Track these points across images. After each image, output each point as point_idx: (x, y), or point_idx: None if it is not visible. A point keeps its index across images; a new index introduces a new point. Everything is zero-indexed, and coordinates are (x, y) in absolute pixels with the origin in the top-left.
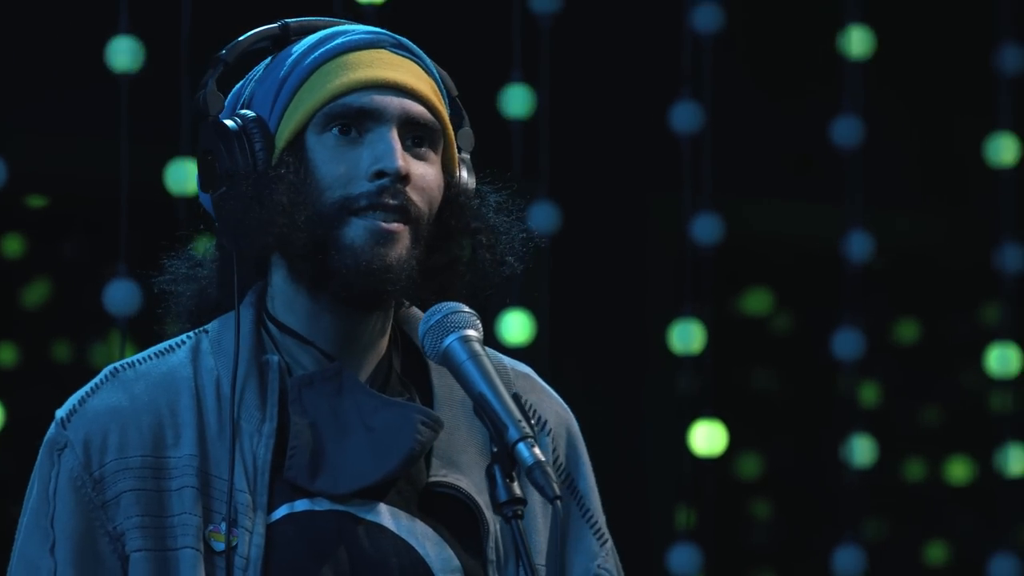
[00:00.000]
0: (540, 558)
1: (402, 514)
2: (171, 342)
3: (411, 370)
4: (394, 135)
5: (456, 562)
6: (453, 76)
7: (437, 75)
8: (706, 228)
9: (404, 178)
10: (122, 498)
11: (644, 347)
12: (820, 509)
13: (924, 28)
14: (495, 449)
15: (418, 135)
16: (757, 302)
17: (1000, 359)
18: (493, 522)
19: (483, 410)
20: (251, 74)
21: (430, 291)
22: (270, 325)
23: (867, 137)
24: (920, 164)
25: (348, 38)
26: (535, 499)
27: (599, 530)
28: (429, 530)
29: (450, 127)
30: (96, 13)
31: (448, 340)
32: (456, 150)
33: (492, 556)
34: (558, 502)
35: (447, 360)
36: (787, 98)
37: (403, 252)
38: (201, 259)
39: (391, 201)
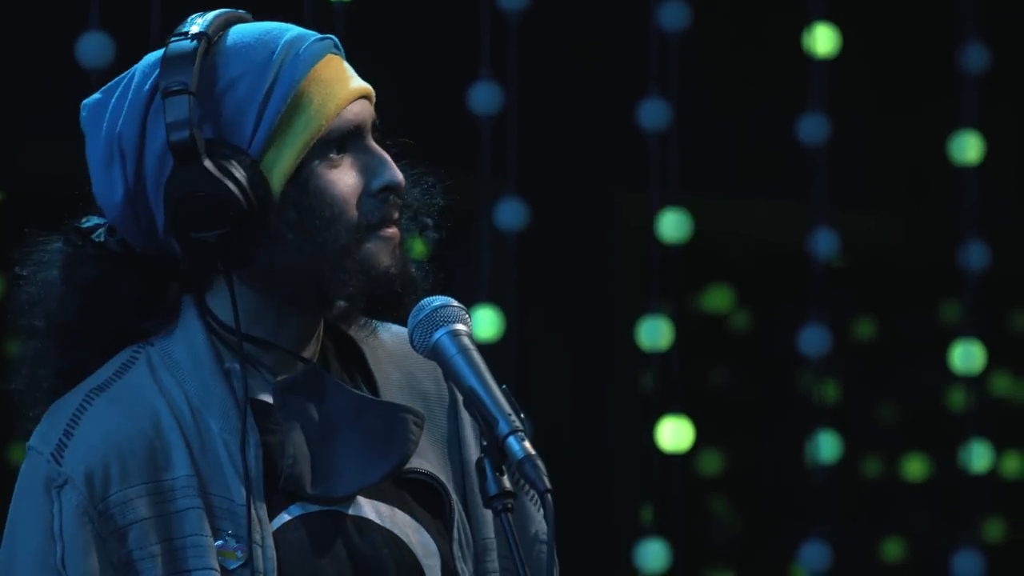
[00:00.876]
0: (488, 530)
1: (382, 505)
2: (122, 360)
3: (346, 355)
4: (375, 144)
5: (433, 546)
6: (421, 73)
7: None
8: (672, 225)
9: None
10: (131, 529)
11: (610, 344)
12: (781, 505)
13: (889, 26)
14: (484, 443)
15: (376, 134)
16: (717, 299)
17: (964, 356)
18: (457, 503)
19: (473, 404)
20: (166, 81)
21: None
22: (221, 331)
23: (832, 135)
24: (883, 162)
25: (310, 49)
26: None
27: (532, 495)
28: (408, 517)
29: None
30: (66, 9)
31: (437, 334)
32: None
33: (456, 535)
34: (549, 496)
35: (436, 354)
36: (753, 96)
37: (399, 252)
38: (71, 261)
39: (395, 214)
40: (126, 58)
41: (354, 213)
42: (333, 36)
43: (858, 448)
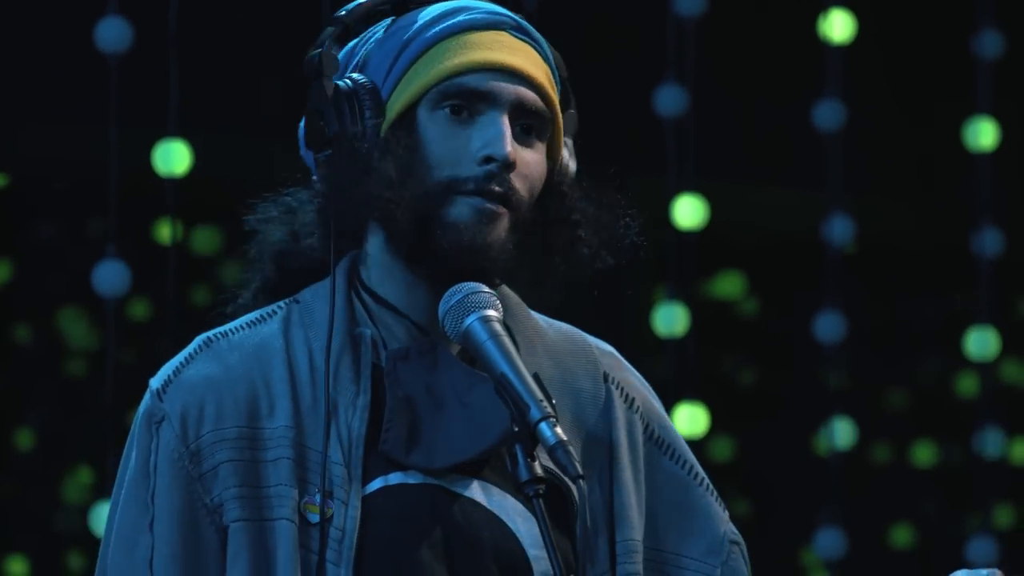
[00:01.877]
0: (632, 531)
1: (494, 489)
2: (262, 312)
3: None
4: (505, 121)
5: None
6: None
7: (552, 61)
8: (687, 212)
9: (510, 166)
10: (220, 469)
11: (624, 329)
12: (791, 491)
13: (904, 13)
14: (516, 429)
15: (528, 123)
16: (728, 286)
17: (978, 342)
18: (581, 498)
19: (504, 390)
20: (366, 35)
21: (523, 277)
22: (364, 295)
23: (847, 122)
24: (898, 149)
25: (470, 16)
26: (627, 475)
27: (716, 495)
28: (520, 506)
29: (560, 115)
30: None
31: (469, 320)
32: (562, 135)
33: (581, 534)
34: (581, 482)
35: (468, 340)
36: (769, 82)
37: (503, 234)
38: (296, 206)
39: (496, 188)
40: (144, 43)
41: (449, 171)
42: (518, 18)
43: (868, 435)
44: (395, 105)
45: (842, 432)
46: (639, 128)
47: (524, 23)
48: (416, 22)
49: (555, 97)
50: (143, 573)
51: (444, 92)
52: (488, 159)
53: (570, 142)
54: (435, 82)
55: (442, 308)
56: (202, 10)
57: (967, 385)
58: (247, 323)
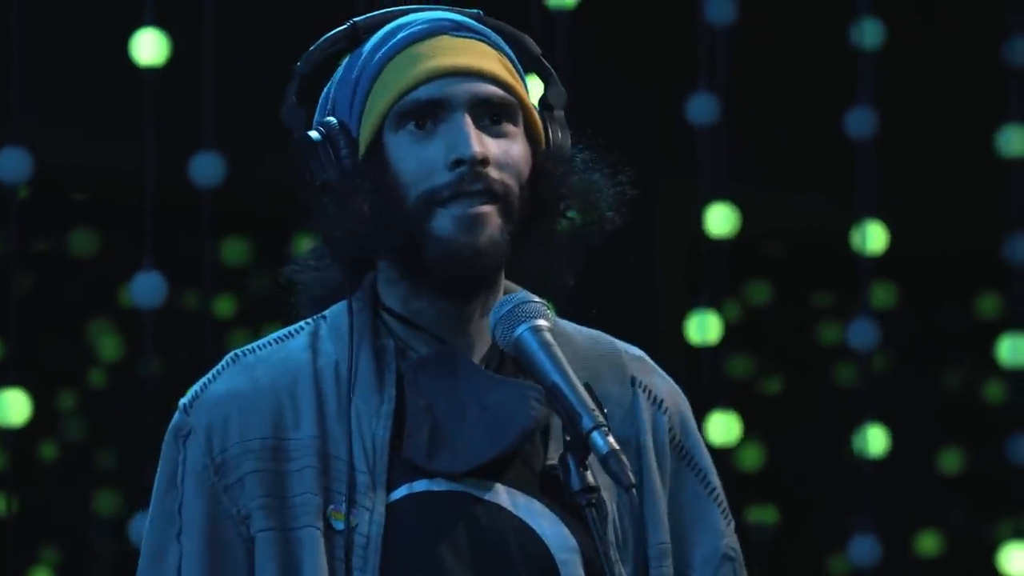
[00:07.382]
0: (664, 534)
1: (519, 494)
2: (290, 328)
3: None
4: (467, 120)
5: (572, 541)
6: None
7: (506, 48)
8: (719, 219)
9: (482, 161)
10: (246, 480)
11: (658, 338)
12: (820, 499)
13: (935, 20)
14: (568, 438)
15: (495, 113)
16: (757, 293)
17: (1011, 349)
18: (611, 503)
19: (556, 399)
20: (334, 75)
21: (532, 266)
22: (383, 313)
23: (879, 129)
24: (930, 155)
25: (409, 31)
26: (655, 478)
27: (724, 508)
28: (545, 509)
29: (527, 97)
30: (121, 6)
31: (519, 330)
32: (539, 117)
33: (612, 537)
34: (633, 491)
35: (519, 350)
36: (801, 90)
37: (495, 232)
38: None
39: (473, 187)
40: (179, 55)
41: (425, 185)
42: (457, 18)
43: (897, 441)
44: (363, 137)
45: (875, 439)
46: (671, 137)
47: (465, 20)
48: (364, 52)
49: (515, 81)
50: None
51: (401, 111)
52: (458, 162)
53: (561, 115)
54: (390, 104)
55: (493, 318)
56: (238, 19)
57: (995, 392)
58: (275, 339)
